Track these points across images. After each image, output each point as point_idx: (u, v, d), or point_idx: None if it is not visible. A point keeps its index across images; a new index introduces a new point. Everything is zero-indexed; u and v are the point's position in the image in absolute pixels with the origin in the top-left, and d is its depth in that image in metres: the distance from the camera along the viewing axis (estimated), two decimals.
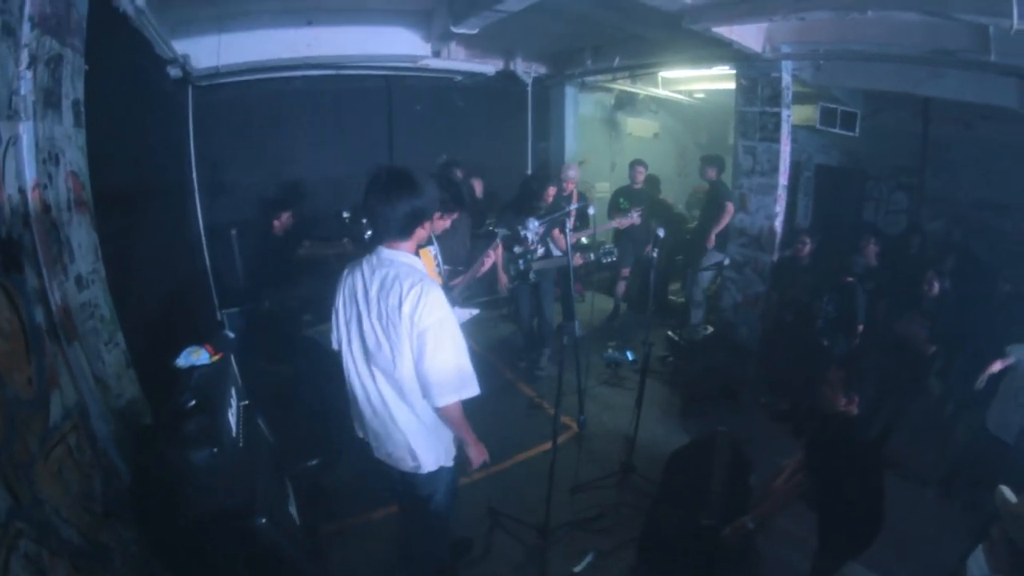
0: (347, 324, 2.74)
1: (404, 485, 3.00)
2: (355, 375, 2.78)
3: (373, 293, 2.60)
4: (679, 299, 8.63)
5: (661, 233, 4.67)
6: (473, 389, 2.61)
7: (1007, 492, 2.41)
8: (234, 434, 2.70)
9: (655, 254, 4.80)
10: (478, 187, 7.18)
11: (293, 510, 3.11)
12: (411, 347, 2.52)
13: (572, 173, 6.64)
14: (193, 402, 2.46)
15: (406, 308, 2.46)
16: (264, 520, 2.44)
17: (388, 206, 2.54)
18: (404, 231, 2.60)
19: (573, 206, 3.46)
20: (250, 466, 2.71)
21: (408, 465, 2.83)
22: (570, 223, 3.16)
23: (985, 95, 5.61)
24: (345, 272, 2.81)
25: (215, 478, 2.33)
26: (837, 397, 3.21)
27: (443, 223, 3.99)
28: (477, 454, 2.83)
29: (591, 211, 5.00)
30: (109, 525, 2.55)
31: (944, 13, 3.99)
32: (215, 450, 2.30)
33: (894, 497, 3.98)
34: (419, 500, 3.01)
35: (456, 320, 2.59)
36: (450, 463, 2.93)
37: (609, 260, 5.12)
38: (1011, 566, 2.28)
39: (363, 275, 2.66)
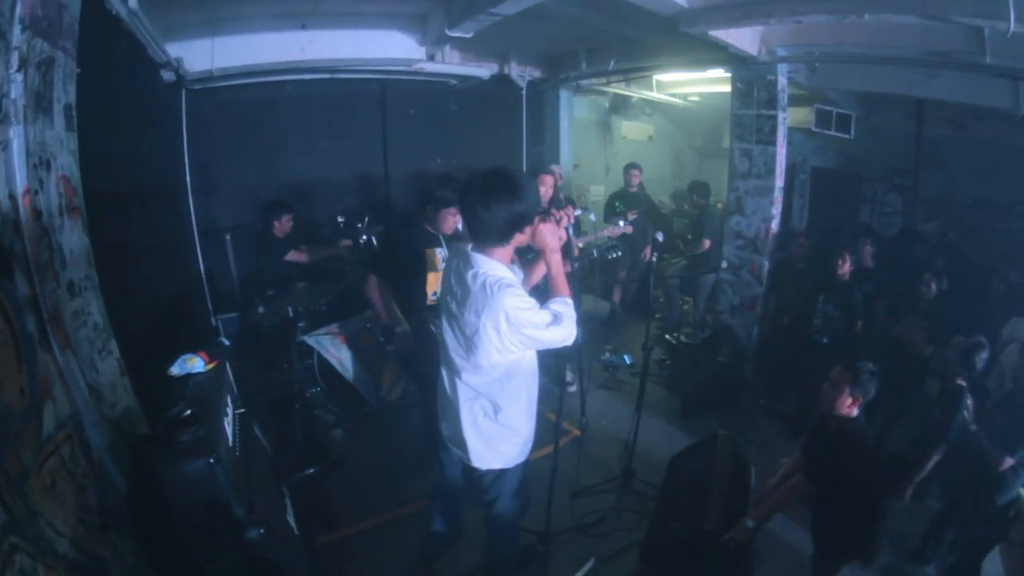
0: (444, 309, 2.82)
1: (471, 481, 3.18)
2: (443, 361, 2.91)
3: (460, 293, 2.66)
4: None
5: (660, 237, 4.66)
6: (572, 325, 2.65)
7: None
8: (231, 443, 2.65)
9: (654, 258, 4.78)
10: None
11: (291, 520, 3.07)
12: (500, 350, 2.59)
13: (555, 168, 6.58)
14: (188, 412, 2.41)
15: (487, 320, 2.51)
16: (262, 531, 2.40)
17: (485, 210, 2.52)
18: (502, 237, 2.59)
19: (578, 211, 3.45)
20: (247, 476, 2.67)
21: (469, 460, 2.94)
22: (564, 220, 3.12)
23: (979, 96, 5.62)
24: (450, 256, 2.90)
25: (213, 489, 2.27)
26: (840, 397, 3.20)
27: (455, 219, 3.99)
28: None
29: (592, 217, 4.96)
30: (105, 537, 2.50)
31: (942, 16, 3.99)
32: (211, 461, 2.24)
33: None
34: (485, 500, 3.17)
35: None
36: (512, 465, 3.01)
37: (614, 256, 5.12)
38: None
39: (458, 272, 2.70)
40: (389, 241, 4.57)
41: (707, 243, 7.26)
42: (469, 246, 2.68)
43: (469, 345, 2.63)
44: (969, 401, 3.81)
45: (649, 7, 4.61)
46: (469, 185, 2.58)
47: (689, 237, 7.92)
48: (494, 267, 2.59)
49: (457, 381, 2.80)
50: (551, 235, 2.69)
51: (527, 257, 3.12)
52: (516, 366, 2.75)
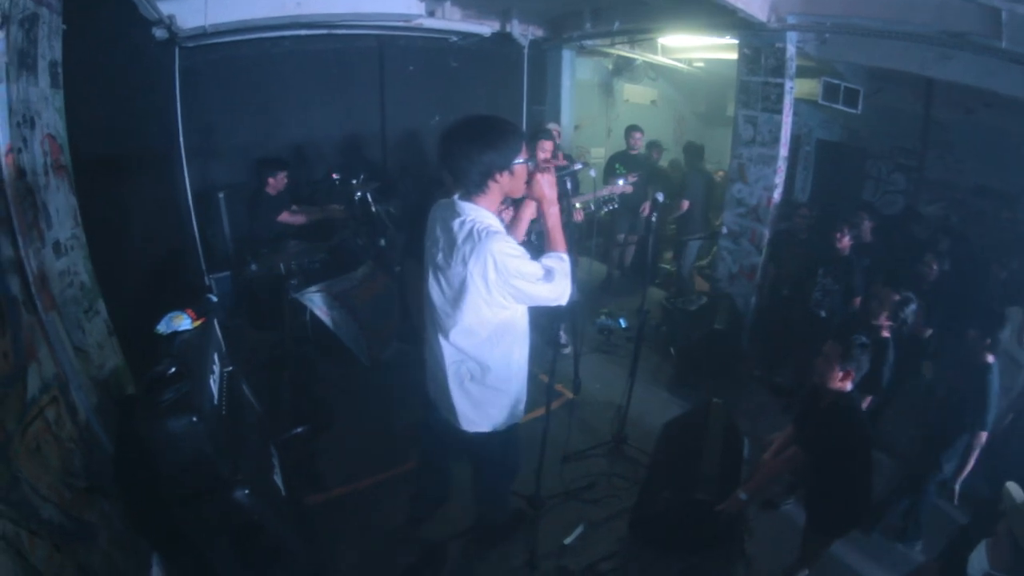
0: (429, 267, 2.73)
1: (459, 443, 3.07)
2: (428, 320, 2.83)
3: (443, 245, 2.59)
4: (672, 268, 8.62)
5: (660, 197, 4.59)
6: (566, 282, 2.59)
7: (1015, 489, 2.38)
8: (216, 402, 2.62)
9: (654, 218, 4.73)
10: None
11: (279, 480, 3.07)
12: (488, 302, 2.53)
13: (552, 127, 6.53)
14: (172, 369, 2.36)
15: (474, 267, 2.44)
16: (246, 491, 2.39)
17: (455, 157, 2.47)
18: (478, 184, 2.51)
19: (578, 165, 3.38)
20: (233, 435, 2.65)
21: (458, 423, 2.88)
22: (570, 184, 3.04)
23: (992, 81, 5.40)
24: (433, 208, 2.79)
25: (196, 448, 2.25)
26: (831, 371, 3.18)
27: None
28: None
29: (592, 173, 4.90)
30: (93, 501, 2.50)
31: None
32: (194, 419, 2.22)
33: (884, 478, 4.00)
34: (473, 462, 3.22)
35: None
36: (501, 428, 2.95)
37: (611, 208, 5.07)
38: (1013, 563, 2.26)
39: (444, 221, 2.63)
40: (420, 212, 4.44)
41: (685, 204, 7.32)
42: (456, 195, 2.61)
43: (456, 298, 2.56)
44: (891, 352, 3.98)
45: None
46: (444, 132, 2.53)
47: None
48: (482, 214, 2.52)
49: (443, 342, 2.71)
50: (549, 186, 2.61)
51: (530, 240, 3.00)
52: (506, 326, 2.68)
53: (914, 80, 6.62)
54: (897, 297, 4.12)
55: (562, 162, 2.85)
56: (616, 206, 5.19)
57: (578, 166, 3.21)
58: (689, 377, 5.79)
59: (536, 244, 2.77)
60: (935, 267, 5.02)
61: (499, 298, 2.51)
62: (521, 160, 2.53)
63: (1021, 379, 4.33)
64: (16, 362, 2.19)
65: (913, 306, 4.16)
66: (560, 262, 2.59)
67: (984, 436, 3.70)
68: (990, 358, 3.73)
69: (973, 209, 7.11)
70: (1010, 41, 4.39)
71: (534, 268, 2.49)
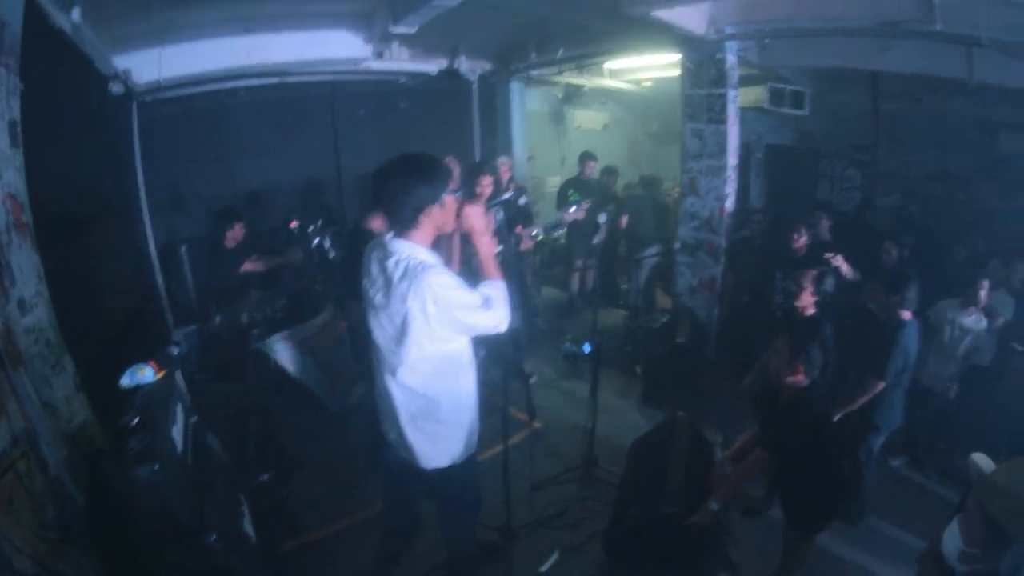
0: (368, 308, 2.76)
1: (419, 481, 3.05)
2: (375, 362, 2.84)
3: (381, 284, 2.62)
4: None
5: (602, 219, 4.67)
6: (504, 309, 2.64)
7: (982, 460, 2.21)
8: (180, 450, 2.65)
9: (595, 241, 4.80)
10: None
11: (248, 527, 3.08)
12: (431, 337, 2.56)
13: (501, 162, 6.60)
14: (136, 420, 2.39)
15: (413, 303, 2.48)
16: (214, 538, 2.41)
17: (400, 192, 2.53)
18: (410, 219, 2.58)
19: (507, 195, 3.44)
20: (198, 483, 2.68)
21: (416, 461, 2.87)
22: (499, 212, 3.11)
23: (932, 66, 5.58)
24: (368, 248, 2.82)
25: (161, 496, 2.28)
26: (783, 366, 3.24)
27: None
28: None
29: (522, 201, 4.90)
30: (66, 552, 2.50)
31: None
32: (156, 467, 2.24)
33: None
34: (436, 497, 3.15)
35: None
36: (460, 461, 2.94)
37: (559, 232, 5.06)
38: (984, 539, 2.12)
39: (379, 261, 2.67)
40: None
41: (623, 219, 7.41)
42: (389, 235, 2.67)
43: (398, 336, 2.60)
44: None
45: None
46: (376, 173, 2.61)
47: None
48: (415, 250, 2.58)
49: (391, 381, 2.74)
50: (478, 217, 2.69)
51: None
52: (451, 359, 2.72)
53: (860, 76, 6.83)
54: (813, 273, 4.27)
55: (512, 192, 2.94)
56: (564, 230, 5.22)
57: (507, 195, 3.27)
58: (655, 393, 5.82)
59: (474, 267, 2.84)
60: (894, 252, 5.20)
61: (440, 331, 2.56)
62: (450, 191, 2.62)
63: (965, 345, 4.56)
64: None
65: (831, 278, 4.31)
66: (496, 290, 2.65)
67: (880, 385, 3.96)
68: (905, 315, 3.98)
69: (928, 195, 7.30)
70: (945, 23, 4.52)
71: (472, 298, 2.56)
